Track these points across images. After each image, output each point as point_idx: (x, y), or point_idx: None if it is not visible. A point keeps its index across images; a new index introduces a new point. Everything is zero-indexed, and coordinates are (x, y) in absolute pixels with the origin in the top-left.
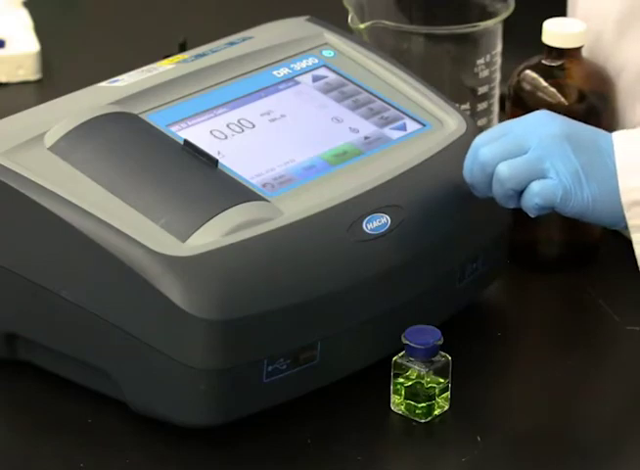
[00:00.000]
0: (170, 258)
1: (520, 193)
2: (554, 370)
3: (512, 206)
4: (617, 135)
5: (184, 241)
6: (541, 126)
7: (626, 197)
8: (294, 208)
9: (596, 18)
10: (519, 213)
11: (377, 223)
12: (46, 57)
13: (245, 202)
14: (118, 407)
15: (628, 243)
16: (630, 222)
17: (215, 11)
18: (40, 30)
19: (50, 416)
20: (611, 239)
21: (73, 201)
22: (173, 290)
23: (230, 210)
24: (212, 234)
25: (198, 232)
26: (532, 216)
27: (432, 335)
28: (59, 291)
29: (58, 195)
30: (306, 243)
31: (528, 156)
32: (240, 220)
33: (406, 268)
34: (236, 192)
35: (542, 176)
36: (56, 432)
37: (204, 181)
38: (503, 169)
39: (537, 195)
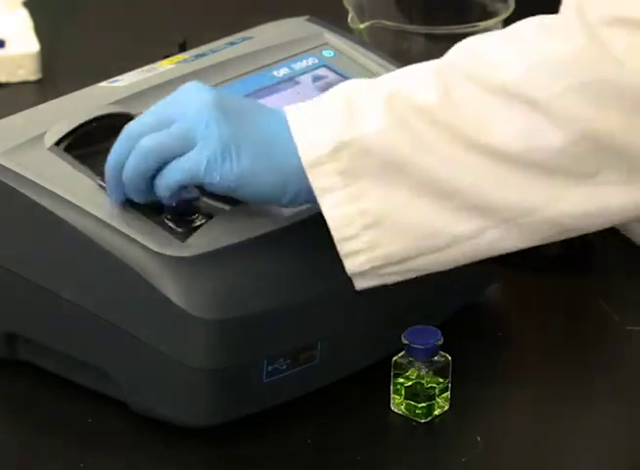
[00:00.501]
0: (170, 258)
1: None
2: (554, 370)
3: (142, 187)
4: (288, 106)
5: (184, 241)
6: (188, 97)
7: (306, 156)
8: (293, 207)
9: None
10: None
11: None
12: (46, 57)
13: (244, 202)
14: (118, 407)
15: (628, 243)
16: (315, 184)
17: (215, 11)
18: (40, 30)
19: (50, 416)
20: (611, 239)
21: (73, 201)
22: (173, 290)
23: (229, 210)
24: (212, 234)
25: (198, 232)
26: (167, 202)
27: (432, 335)
28: (59, 291)
29: (58, 195)
30: (306, 243)
31: (174, 128)
32: (240, 220)
33: None
34: None
35: (189, 150)
36: (56, 432)
37: None
38: (143, 143)
39: (179, 170)
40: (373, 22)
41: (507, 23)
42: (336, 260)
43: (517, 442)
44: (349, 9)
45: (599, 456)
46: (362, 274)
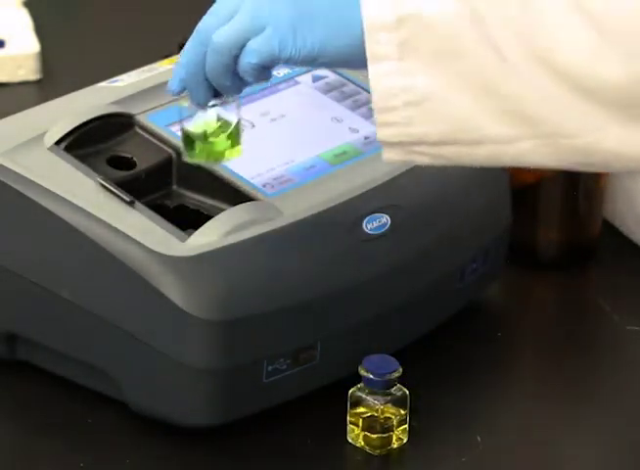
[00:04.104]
0: (170, 258)
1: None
2: (554, 370)
3: (228, 83)
4: None
5: (184, 241)
6: None
7: (369, 21)
8: (293, 208)
9: None
10: (519, 213)
11: (377, 223)
12: (46, 57)
13: (245, 202)
14: (118, 407)
15: (628, 243)
16: (370, 50)
17: None
18: (40, 30)
19: (50, 416)
20: (611, 239)
21: (73, 201)
22: (173, 290)
23: (230, 210)
24: (212, 234)
25: (198, 232)
26: (251, 80)
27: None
28: (59, 291)
29: (58, 195)
30: (306, 243)
31: (239, 16)
32: (240, 220)
33: (406, 268)
34: (235, 192)
35: (260, 33)
36: (56, 432)
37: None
38: (219, 33)
39: (254, 52)
40: None
41: None
42: (336, 260)
43: (517, 442)
44: None
45: (599, 456)
46: (391, 145)
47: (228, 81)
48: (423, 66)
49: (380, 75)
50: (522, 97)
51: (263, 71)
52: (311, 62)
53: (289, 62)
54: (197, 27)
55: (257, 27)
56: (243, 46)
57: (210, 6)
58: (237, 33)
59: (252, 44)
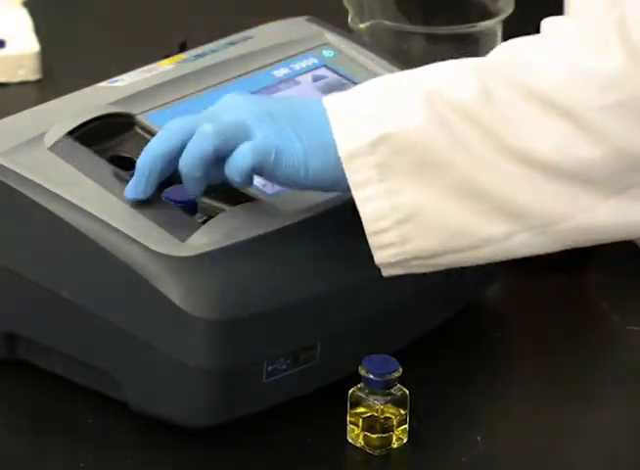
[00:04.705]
0: (170, 258)
1: (212, 162)
2: (554, 370)
3: (201, 176)
4: (325, 97)
5: (184, 241)
6: (231, 100)
7: (343, 149)
8: (293, 208)
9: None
10: None
11: None
12: (46, 57)
13: (245, 202)
14: (118, 407)
15: (628, 243)
16: (351, 177)
17: (215, 11)
18: (40, 30)
19: (50, 416)
20: None
21: (73, 201)
22: (173, 290)
23: (230, 210)
24: (212, 234)
25: (198, 232)
26: (239, 183)
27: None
28: (59, 291)
29: (58, 195)
30: (306, 243)
31: (229, 119)
32: (240, 220)
33: None
34: (235, 192)
35: (249, 139)
36: (56, 432)
37: None
38: (206, 127)
39: (250, 153)
40: (373, 22)
41: (507, 23)
42: (336, 260)
43: (517, 442)
44: (349, 9)
45: (599, 456)
46: (391, 265)
47: (200, 173)
48: (405, 183)
49: (365, 200)
50: (507, 193)
51: (254, 171)
52: (294, 179)
53: (272, 173)
54: (169, 124)
55: (244, 134)
56: (228, 143)
57: (210, 6)
58: (226, 131)
59: (247, 146)
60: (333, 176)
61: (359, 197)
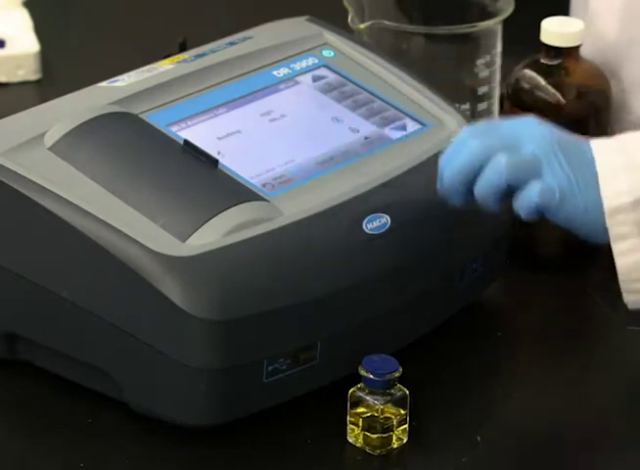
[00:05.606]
0: (170, 258)
1: (505, 193)
2: (554, 370)
3: (495, 206)
4: (594, 142)
5: (184, 241)
6: (531, 128)
7: (609, 202)
8: (293, 208)
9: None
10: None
11: (377, 223)
12: (46, 57)
13: (245, 202)
14: (118, 407)
15: None
16: (612, 230)
17: (215, 11)
18: (40, 30)
19: (50, 416)
20: None
21: (73, 201)
22: (173, 290)
23: (230, 210)
24: (212, 234)
25: (198, 232)
26: (524, 218)
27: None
28: (59, 291)
29: (58, 195)
30: (306, 243)
31: (525, 153)
32: (240, 220)
33: (406, 268)
34: (236, 192)
35: (538, 176)
36: (56, 432)
37: (203, 181)
38: (501, 160)
39: (537, 194)
40: (373, 22)
41: (507, 23)
42: (336, 260)
43: (517, 441)
44: (349, 9)
45: (599, 456)
46: (638, 303)
47: (492, 199)
48: None
49: (622, 252)
50: None
51: (539, 210)
52: (570, 222)
53: (555, 214)
54: (470, 144)
55: (536, 171)
56: (518, 179)
57: (210, 6)
58: (520, 166)
59: (536, 185)
60: (597, 227)
61: (617, 249)
